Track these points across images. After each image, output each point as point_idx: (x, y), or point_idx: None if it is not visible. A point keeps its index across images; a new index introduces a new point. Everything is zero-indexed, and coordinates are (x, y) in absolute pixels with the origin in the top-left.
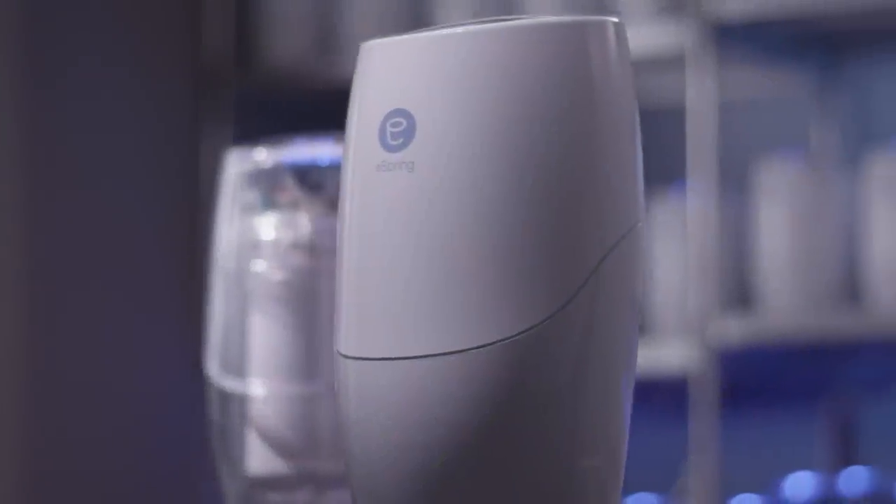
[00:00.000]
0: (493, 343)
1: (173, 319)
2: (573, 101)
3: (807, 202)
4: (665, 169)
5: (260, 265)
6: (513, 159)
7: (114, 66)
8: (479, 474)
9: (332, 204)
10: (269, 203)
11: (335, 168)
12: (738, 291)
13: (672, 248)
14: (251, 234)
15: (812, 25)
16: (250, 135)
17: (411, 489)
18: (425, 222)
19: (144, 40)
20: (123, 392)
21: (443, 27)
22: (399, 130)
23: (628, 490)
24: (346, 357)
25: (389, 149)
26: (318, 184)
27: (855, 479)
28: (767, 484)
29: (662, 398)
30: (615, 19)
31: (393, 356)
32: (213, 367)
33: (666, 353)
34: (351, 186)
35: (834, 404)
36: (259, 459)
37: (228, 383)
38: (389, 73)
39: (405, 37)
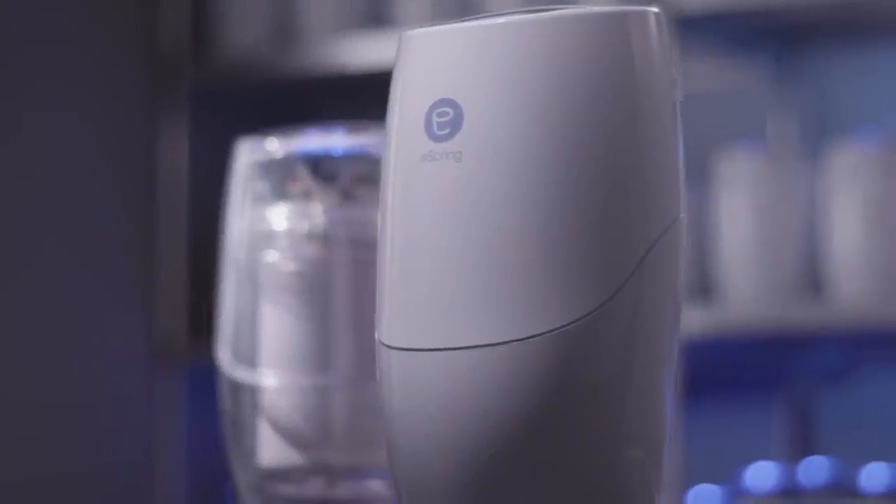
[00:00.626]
0: (542, 334)
1: (130, 309)
2: (617, 91)
3: (767, 193)
4: None
5: (273, 256)
6: (560, 149)
7: (69, 58)
8: (525, 465)
9: (345, 194)
10: (280, 193)
11: (348, 158)
12: (699, 282)
13: None
14: (263, 225)
15: (770, 17)
16: (206, 126)
17: (457, 480)
18: (473, 212)
19: (100, 32)
20: (76, 378)
21: (484, 17)
22: (446, 120)
23: None
24: (391, 347)
25: (436, 139)
26: (331, 174)
27: (814, 468)
28: (728, 474)
29: None
30: (656, 9)
31: (440, 347)
32: (225, 358)
33: None
34: (394, 176)
35: (793, 395)
36: (271, 451)
37: (240, 374)
38: (434, 62)
39: (448, 26)
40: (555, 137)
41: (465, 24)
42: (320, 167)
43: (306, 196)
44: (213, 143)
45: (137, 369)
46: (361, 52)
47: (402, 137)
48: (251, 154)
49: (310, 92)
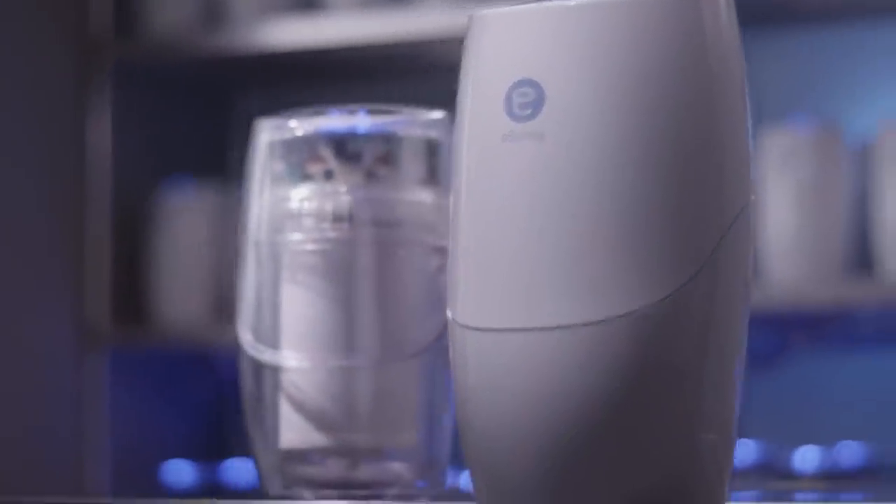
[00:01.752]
0: (621, 316)
1: (55, 293)
2: (693, 72)
3: None
4: None
5: (296, 236)
6: (641, 130)
7: None
8: (601, 448)
9: (369, 174)
10: (299, 174)
11: (371, 138)
12: None
13: None
14: (285, 205)
15: None
16: (132, 106)
17: (533, 461)
18: (554, 192)
19: (26, 10)
20: (1, 363)
21: None
22: (527, 101)
23: None
24: (466, 327)
25: (517, 119)
26: (354, 154)
27: (744, 450)
28: None
29: None
30: None
31: (518, 327)
32: (246, 338)
33: None
34: (470, 156)
35: None
36: (292, 432)
37: (262, 355)
38: (512, 43)
39: (524, 7)
40: (635, 118)
41: (542, 5)
42: (343, 147)
43: (329, 176)
44: (139, 122)
45: (64, 354)
46: (288, 33)
47: (478, 118)
48: (271, 133)
49: (236, 73)
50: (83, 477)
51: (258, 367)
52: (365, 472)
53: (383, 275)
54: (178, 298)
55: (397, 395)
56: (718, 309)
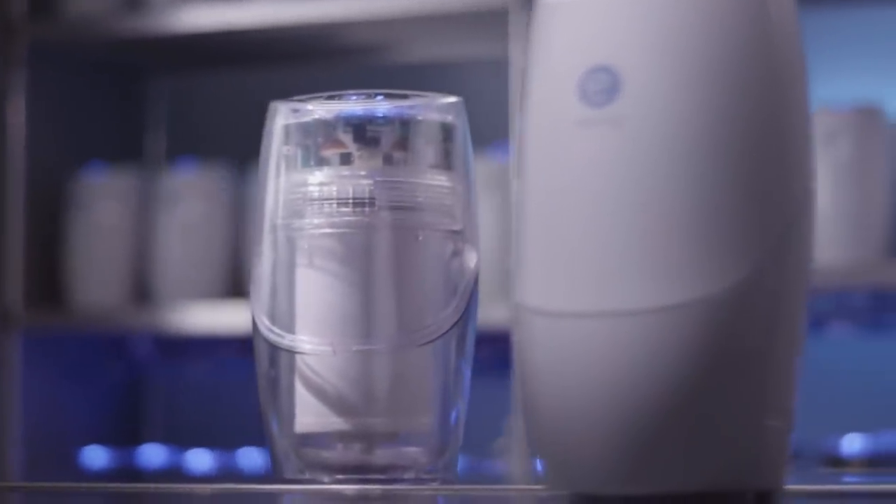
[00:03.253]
0: (695, 300)
1: None
2: (763, 56)
3: None
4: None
5: (316, 220)
6: (716, 115)
7: None
8: (673, 434)
9: (387, 159)
10: (316, 158)
11: (388, 122)
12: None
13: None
14: (304, 189)
15: None
16: (49, 87)
17: (604, 448)
18: (630, 178)
19: None
20: None
21: None
22: (602, 87)
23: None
24: (536, 311)
25: (592, 105)
26: (372, 138)
27: None
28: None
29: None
30: None
31: (593, 311)
32: (263, 321)
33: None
34: (541, 142)
35: None
36: (308, 415)
37: (278, 338)
38: (583, 29)
39: None
40: (710, 103)
41: None
42: (361, 131)
43: (347, 161)
44: (54, 105)
45: None
46: (203, 17)
47: (549, 104)
48: (287, 117)
49: (151, 56)
50: None
51: (274, 351)
52: (381, 456)
53: (402, 259)
54: (93, 282)
55: (414, 380)
56: (786, 293)
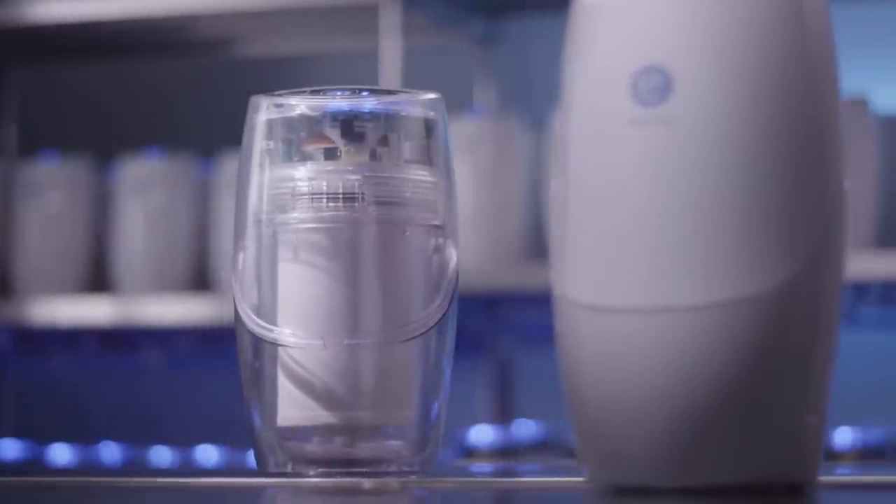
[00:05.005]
0: (744, 298)
1: None
2: (806, 55)
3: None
4: None
5: (302, 215)
6: (765, 115)
7: None
8: (720, 430)
9: (374, 154)
10: (299, 153)
11: (374, 118)
12: None
13: None
14: (289, 184)
15: None
16: None
17: (651, 443)
18: (681, 176)
19: None
20: None
21: None
22: (654, 87)
23: None
24: (584, 306)
25: (644, 104)
26: (358, 134)
27: (524, 429)
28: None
29: None
30: None
31: (640, 307)
32: (248, 314)
33: None
34: (589, 141)
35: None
36: (292, 409)
37: (265, 331)
38: (635, 29)
39: None
40: (759, 103)
41: None
42: (348, 127)
43: (332, 156)
44: None
45: None
46: (57, 8)
47: (597, 103)
48: (269, 112)
49: (5, 46)
50: None
51: (258, 344)
52: (363, 449)
53: (389, 254)
54: None
55: (398, 374)
56: (826, 291)
